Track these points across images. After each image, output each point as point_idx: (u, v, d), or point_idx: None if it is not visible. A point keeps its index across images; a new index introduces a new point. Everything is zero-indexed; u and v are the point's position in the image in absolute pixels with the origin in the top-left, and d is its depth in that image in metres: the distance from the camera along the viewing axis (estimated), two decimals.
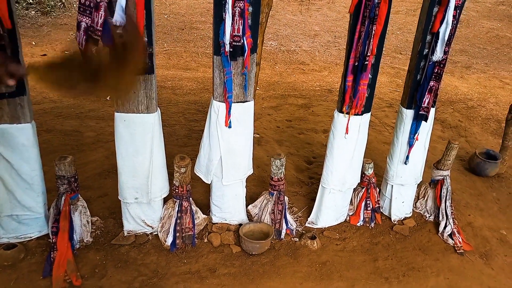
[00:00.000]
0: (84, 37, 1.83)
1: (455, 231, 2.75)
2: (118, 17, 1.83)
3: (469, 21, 8.81)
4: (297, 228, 2.67)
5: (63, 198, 2.20)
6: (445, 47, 2.31)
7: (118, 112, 2.14)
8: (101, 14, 1.80)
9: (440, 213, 2.83)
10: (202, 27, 7.19)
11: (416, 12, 8.83)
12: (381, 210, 2.88)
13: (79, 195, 2.32)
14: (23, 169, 2.15)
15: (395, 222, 2.84)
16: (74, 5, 7.55)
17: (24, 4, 7.15)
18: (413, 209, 2.96)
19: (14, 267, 2.12)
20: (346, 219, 2.80)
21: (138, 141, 2.20)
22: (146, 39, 1.96)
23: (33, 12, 7.07)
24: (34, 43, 5.98)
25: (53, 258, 2.12)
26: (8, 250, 2.12)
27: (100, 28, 1.82)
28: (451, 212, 2.81)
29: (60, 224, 2.16)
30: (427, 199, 2.97)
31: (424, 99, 2.46)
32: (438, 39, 2.29)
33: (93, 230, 2.41)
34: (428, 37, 2.34)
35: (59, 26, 6.76)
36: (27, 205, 2.23)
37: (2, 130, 2.03)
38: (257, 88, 4.28)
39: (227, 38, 2.02)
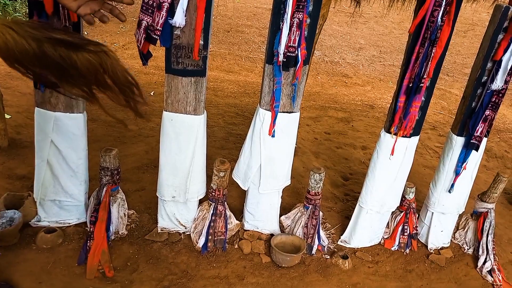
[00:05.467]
0: (144, 35, 1.87)
1: (495, 268, 2.62)
2: (178, 18, 1.86)
3: None
4: (329, 245, 2.62)
5: (104, 189, 2.26)
6: (506, 76, 2.20)
7: (166, 111, 2.17)
8: (163, 14, 1.83)
9: (481, 247, 2.70)
10: (247, 31, 7.23)
11: (466, 33, 8.52)
12: (418, 237, 2.77)
13: (119, 187, 2.37)
14: (70, 157, 2.21)
15: (432, 251, 2.73)
16: None
17: None
18: (451, 240, 2.83)
19: (52, 251, 2.19)
20: (380, 242, 2.72)
21: (182, 140, 2.22)
22: (202, 42, 1.98)
23: None
24: (86, 33, 6.20)
25: (89, 246, 2.17)
26: (48, 234, 2.19)
27: (160, 28, 1.85)
28: (493, 248, 2.68)
29: (99, 214, 2.21)
30: (467, 231, 2.84)
31: (478, 127, 2.35)
32: (499, 67, 2.19)
33: (129, 223, 2.45)
34: (489, 64, 2.24)
35: (111, 19, 6.99)
36: (69, 192, 2.30)
37: (56, 118, 2.10)
38: None
39: (282, 48, 2.01)
